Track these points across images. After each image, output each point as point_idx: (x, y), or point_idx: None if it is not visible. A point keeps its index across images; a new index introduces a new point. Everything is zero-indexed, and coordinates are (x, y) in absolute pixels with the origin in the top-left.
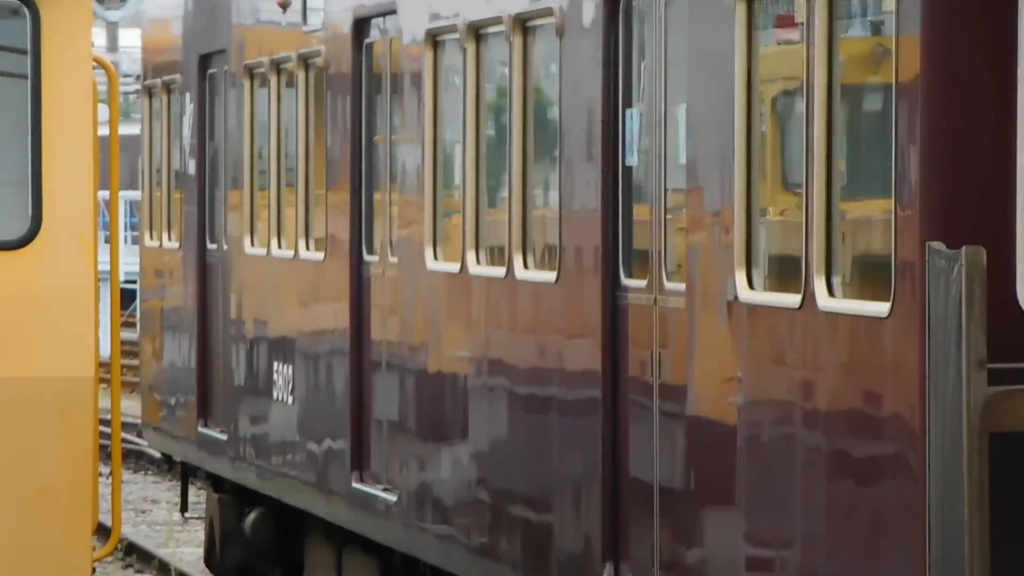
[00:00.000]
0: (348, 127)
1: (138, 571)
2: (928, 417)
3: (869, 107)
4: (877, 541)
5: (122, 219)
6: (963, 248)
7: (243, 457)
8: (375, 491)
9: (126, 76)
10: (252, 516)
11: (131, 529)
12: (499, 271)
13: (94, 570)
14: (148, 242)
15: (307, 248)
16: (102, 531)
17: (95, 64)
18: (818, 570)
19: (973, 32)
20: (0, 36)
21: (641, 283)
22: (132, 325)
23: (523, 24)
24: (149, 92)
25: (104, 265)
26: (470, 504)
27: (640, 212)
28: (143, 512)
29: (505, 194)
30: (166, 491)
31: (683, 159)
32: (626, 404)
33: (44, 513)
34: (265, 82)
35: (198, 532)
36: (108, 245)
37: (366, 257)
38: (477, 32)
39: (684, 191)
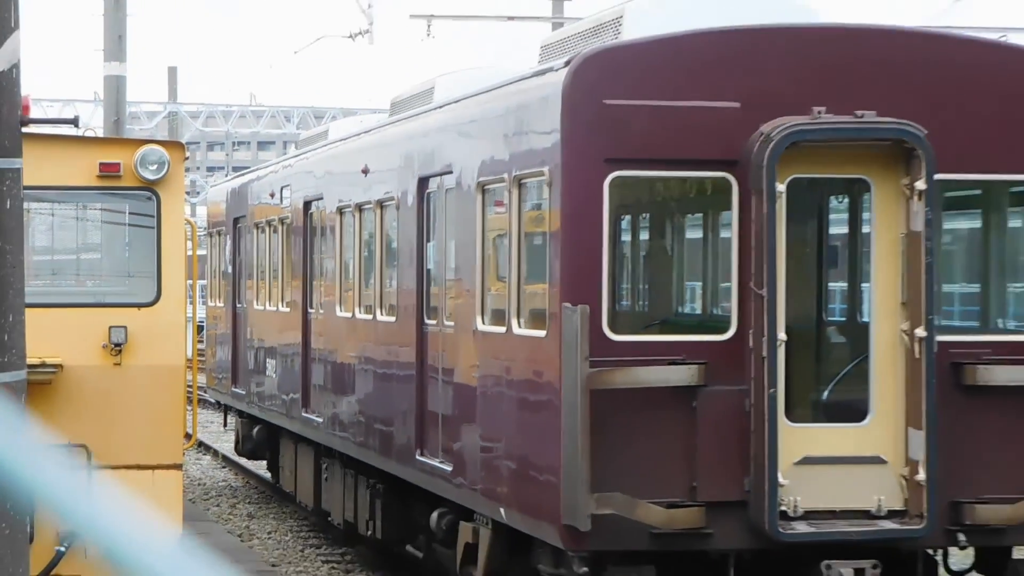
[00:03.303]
0: (301, 251)
1: (203, 454)
2: (562, 383)
3: (537, 241)
4: (540, 441)
5: (198, 293)
6: (579, 306)
7: (252, 401)
8: (312, 416)
9: (201, 227)
10: (256, 428)
11: (201, 434)
12: (369, 317)
13: (184, 454)
14: (210, 303)
15: (283, 306)
16: (187, 436)
17: (186, 221)
18: (513, 454)
19: (583, 208)
20: (142, 208)
21: (434, 322)
22: (202, 342)
23: (381, 204)
24: (210, 235)
25: (189, 314)
26: (356, 423)
27: (435, 290)
28: (206, 427)
29: (373, 281)
30: (216, 416)
31: (452, 265)
32: (426, 377)
33: (162, 428)
34: (264, 230)
35: (231, 435)
36: (191, 305)
37: (309, 311)
38: (360, 207)
39: (453, 280)
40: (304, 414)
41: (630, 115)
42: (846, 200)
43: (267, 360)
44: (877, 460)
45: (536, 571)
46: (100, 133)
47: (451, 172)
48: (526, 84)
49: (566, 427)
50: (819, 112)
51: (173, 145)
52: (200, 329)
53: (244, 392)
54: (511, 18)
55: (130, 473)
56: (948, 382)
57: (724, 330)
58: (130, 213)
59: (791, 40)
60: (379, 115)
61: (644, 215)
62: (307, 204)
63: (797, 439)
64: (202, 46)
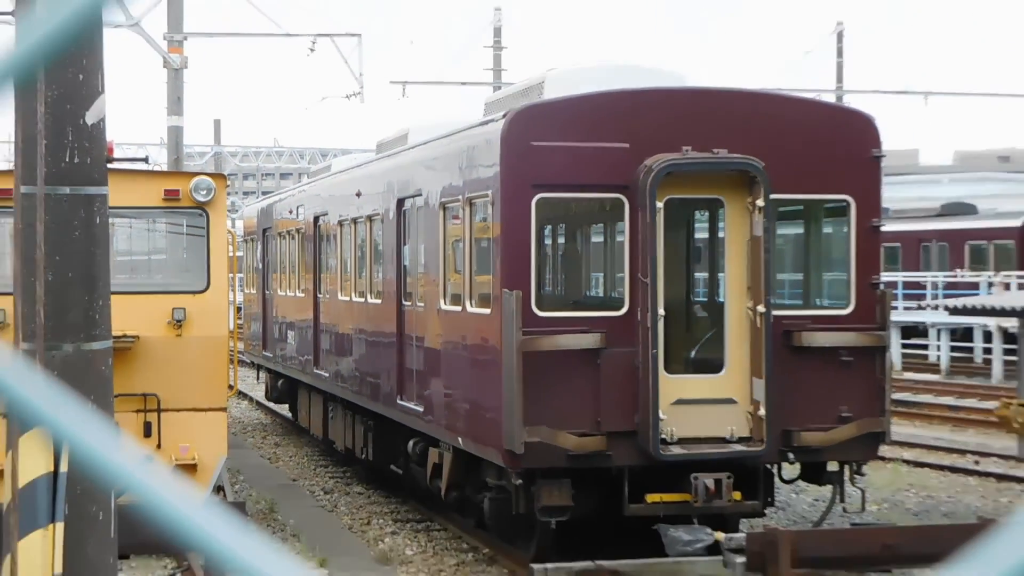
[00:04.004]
0: (312, 252)
1: (241, 400)
2: (503, 347)
3: (483, 245)
4: (487, 389)
5: (238, 283)
6: (514, 291)
7: (278, 361)
8: (321, 372)
9: (239, 235)
10: (280, 381)
11: (240, 386)
12: (362, 300)
13: (228, 400)
14: (247, 291)
15: (299, 292)
16: (230, 387)
17: (228, 232)
18: (467, 399)
19: (516, 221)
20: (195, 222)
21: (409, 303)
22: (241, 319)
23: (370, 218)
24: (246, 241)
25: (231, 299)
26: (353, 377)
27: (410, 280)
28: (244, 380)
29: (364, 274)
30: (251, 373)
31: (422, 261)
32: (404, 343)
33: (212, 381)
34: (285, 237)
35: (262, 386)
36: (233, 292)
37: (319, 296)
38: (355, 221)
39: (422, 272)
40: (315, 371)
41: (550, 153)
42: (707, 214)
43: (288, 331)
44: (730, 401)
45: (484, 483)
46: (164, 168)
47: (421, 195)
48: (475, 131)
49: (506, 379)
50: (687, 150)
51: (218, 176)
52: (239, 309)
53: (272, 355)
54: (464, 83)
55: (189, 414)
56: (781, 344)
57: (619, 308)
58: (187, 226)
59: (666, 98)
60: (368, 154)
61: (561, 225)
62: (316, 218)
63: (672, 386)
64: (239, 103)
